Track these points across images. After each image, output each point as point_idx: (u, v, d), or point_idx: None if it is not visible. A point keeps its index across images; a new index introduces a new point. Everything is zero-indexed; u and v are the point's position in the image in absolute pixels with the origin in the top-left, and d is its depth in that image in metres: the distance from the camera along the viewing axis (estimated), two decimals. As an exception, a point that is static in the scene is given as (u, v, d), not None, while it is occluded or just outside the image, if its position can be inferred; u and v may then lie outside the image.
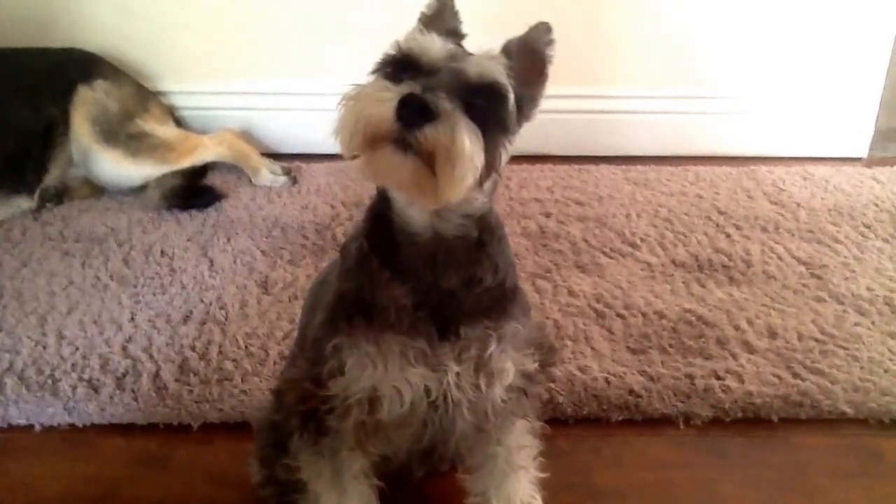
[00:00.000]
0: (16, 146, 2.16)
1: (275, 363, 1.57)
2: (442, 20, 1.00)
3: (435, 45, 0.91)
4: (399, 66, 0.92)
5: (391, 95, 0.84)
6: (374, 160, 0.87)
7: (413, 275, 0.98)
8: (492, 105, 0.90)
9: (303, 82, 2.52)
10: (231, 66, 2.52)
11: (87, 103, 2.21)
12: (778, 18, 2.47)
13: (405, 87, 0.85)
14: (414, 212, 0.96)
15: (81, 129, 2.20)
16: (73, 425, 1.46)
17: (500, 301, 1.01)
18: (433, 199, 0.89)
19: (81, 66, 2.28)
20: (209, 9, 2.46)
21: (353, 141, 0.87)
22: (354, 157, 0.89)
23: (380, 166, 0.88)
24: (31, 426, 1.46)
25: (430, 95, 0.84)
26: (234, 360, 1.58)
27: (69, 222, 2.13)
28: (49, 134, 2.20)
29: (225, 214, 2.18)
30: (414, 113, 0.83)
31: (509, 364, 1.02)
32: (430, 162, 0.85)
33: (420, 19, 1.01)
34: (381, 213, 0.99)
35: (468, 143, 0.84)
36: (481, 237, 0.99)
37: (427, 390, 0.99)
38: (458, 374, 0.99)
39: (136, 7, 2.44)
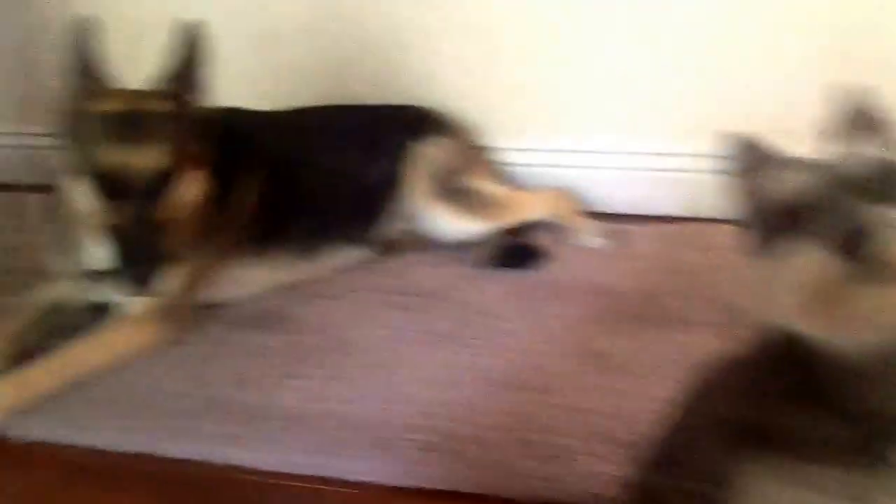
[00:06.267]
0: (354, 198, 2.23)
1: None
2: None
3: None
4: None
5: None
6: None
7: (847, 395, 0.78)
8: None
9: (624, 141, 2.44)
10: (556, 123, 2.50)
11: (423, 160, 2.26)
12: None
13: None
14: None
15: (415, 184, 2.26)
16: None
17: None
18: None
19: (417, 122, 2.34)
20: (544, 67, 2.46)
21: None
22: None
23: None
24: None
25: None
26: (566, 435, 1.47)
27: (395, 275, 2.16)
28: (383, 187, 2.27)
29: (549, 275, 2.11)
30: None
31: None
32: None
33: None
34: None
35: None
36: None
37: None
38: None
39: (473, 64, 2.49)
